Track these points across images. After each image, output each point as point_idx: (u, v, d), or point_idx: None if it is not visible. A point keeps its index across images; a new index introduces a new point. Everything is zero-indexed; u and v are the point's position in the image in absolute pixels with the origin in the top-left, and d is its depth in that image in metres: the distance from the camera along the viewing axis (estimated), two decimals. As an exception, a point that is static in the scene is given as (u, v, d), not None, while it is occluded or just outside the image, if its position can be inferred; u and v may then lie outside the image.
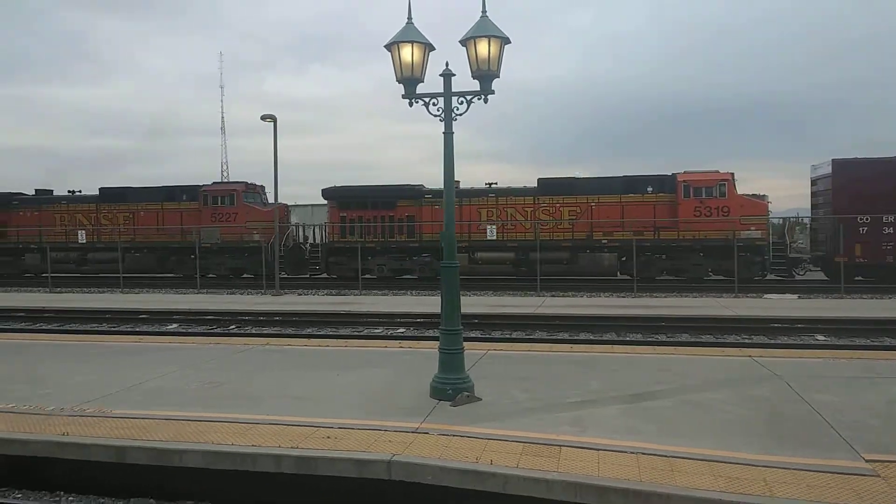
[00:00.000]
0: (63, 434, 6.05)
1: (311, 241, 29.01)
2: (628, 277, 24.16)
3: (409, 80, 7.08)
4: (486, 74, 6.99)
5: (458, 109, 7.08)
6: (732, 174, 23.82)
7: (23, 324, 16.66)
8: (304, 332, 14.66)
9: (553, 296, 21.02)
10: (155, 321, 16.85)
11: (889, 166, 22.09)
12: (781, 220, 25.37)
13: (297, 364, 9.43)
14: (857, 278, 22.21)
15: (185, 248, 27.84)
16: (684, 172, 24.05)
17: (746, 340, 13.10)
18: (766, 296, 20.15)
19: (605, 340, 12.83)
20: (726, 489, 4.72)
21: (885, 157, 22.59)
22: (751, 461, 5.24)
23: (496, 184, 26.50)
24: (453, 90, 7.07)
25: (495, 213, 25.72)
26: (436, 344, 8.07)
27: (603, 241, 24.48)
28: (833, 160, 23.09)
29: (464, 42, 6.99)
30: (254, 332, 14.84)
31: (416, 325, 15.45)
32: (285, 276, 26.90)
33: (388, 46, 7.09)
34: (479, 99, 7.08)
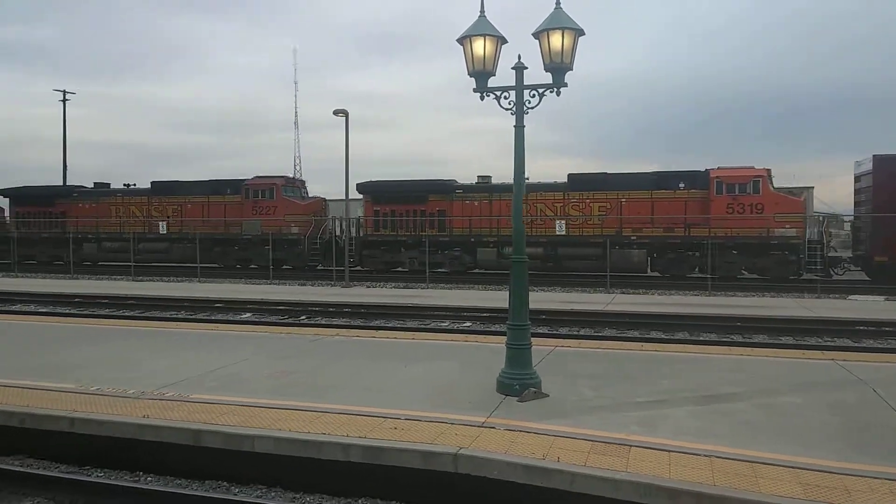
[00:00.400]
0: (144, 417, 6.31)
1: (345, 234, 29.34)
2: (657, 275, 24.23)
3: (481, 74, 7.04)
4: (559, 67, 6.89)
5: (529, 103, 7.01)
6: (769, 170, 23.09)
7: (107, 310, 17.49)
8: (372, 324, 14.86)
9: (623, 293, 20.64)
10: (230, 310, 17.40)
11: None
12: (822, 217, 24.31)
13: (365, 355, 9.56)
14: None
15: (228, 239, 28.87)
16: (718, 168, 23.46)
17: (829, 343, 12.53)
18: (850, 297, 19.23)
19: (678, 339, 12.50)
20: (805, 497, 4.52)
21: None
22: (833, 468, 5.01)
23: (528, 179, 25.99)
24: (525, 83, 7.00)
25: (525, 209, 25.27)
26: (502, 339, 8.03)
27: (632, 238, 24.14)
28: (874, 156, 22.08)
29: (537, 34, 6.91)
30: (324, 322, 15.13)
31: (483, 320, 15.43)
32: (321, 268, 27.84)
33: (461, 40, 7.07)
34: (551, 92, 6.98)
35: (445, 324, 15.08)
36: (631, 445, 5.54)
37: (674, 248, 23.83)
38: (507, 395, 7.01)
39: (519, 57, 6.98)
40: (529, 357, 7.19)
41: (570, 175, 25.54)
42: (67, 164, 45.92)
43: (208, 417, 6.28)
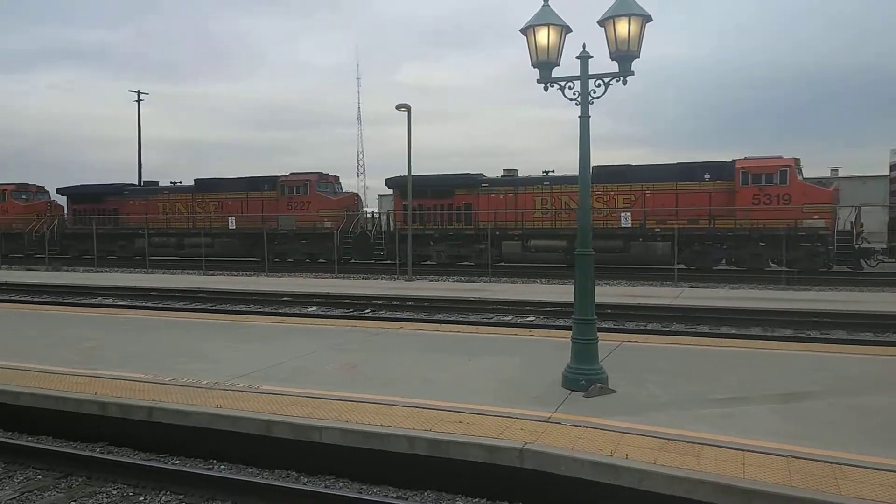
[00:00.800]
0: (217, 407, 6.50)
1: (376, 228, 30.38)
2: (683, 267, 23.87)
3: (545, 64, 6.94)
4: (625, 55, 6.72)
5: (594, 92, 6.87)
6: (797, 160, 22.66)
7: (181, 303, 18.12)
8: (435, 318, 14.92)
9: (692, 287, 20.10)
10: (297, 304, 17.76)
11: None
12: (854, 208, 23.48)
13: (429, 348, 9.60)
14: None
15: (267, 234, 29.37)
16: (744, 159, 23.01)
17: (913, 340, 11.90)
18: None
19: (751, 335, 12.09)
20: (890, 500, 4.29)
21: None
22: (922, 473, 4.73)
23: (553, 171, 26.27)
24: (590, 72, 6.86)
25: (549, 202, 25.73)
26: (566, 333, 7.92)
27: (656, 230, 23.98)
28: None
29: (602, 22, 6.76)
30: (387, 315, 15.27)
31: (547, 314, 15.29)
32: (354, 261, 28.51)
33: (524, 30, 6.98)
34: (616, 81, 6.83)
35: (509, 318, 15.01)
36: (703, 444, 5.37)
37: (700, 240, 23.61)
38: (572, 391, 6.92)
39: (584, 46, 6.86)
40: (596, 352, 7.07)
41: (594, 167, 25.26)
42: (142, 161, 47.70)
43: (278, 408, 6.42)
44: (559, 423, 5.93)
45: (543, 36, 6.86)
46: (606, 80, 6.84)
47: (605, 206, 24.82)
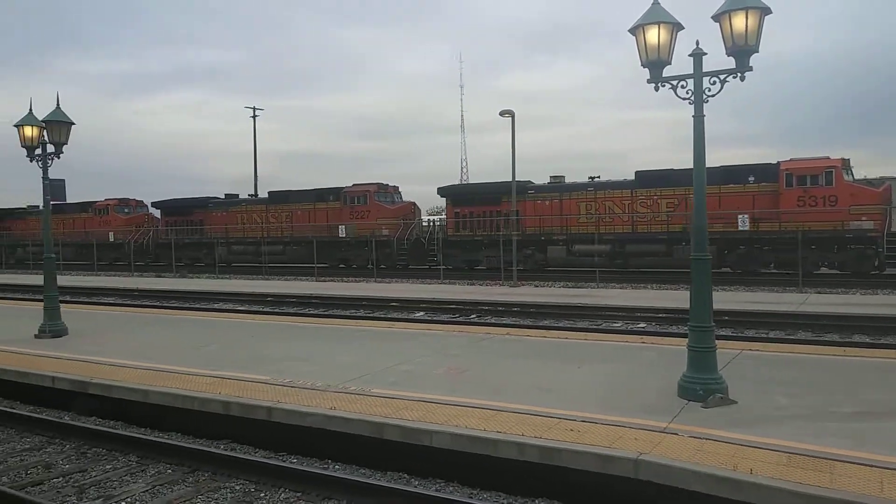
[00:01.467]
0: (331, 408, 6.69)
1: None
2: (728, 270, 23.52)
3: (655, 63, 6.72)
4: (742, 50, 6.41)
5: (709, 90, 6.59)
6: (846, 160, 22.03)
7: (294, 308, 18.85)
8: (541, 324, 14.75)
9: (819, 292, 18.87)
10: (404, 309, 18.07)
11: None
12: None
13: (536, 354, 9.50)
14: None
15: (330, 242, 31.53)
16: (790, 160, 22.61)
17: None
18: None
19: (886, 344, 11.20)
20: None
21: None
22: None
23: (598, 177, 26.77)
24: (704, 70, 6.59)
25: (594, 207, 26.06)
26: (680, 340, 7.63)
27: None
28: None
29: (717, 17, 6.48)
30: (493, 321, 15.25)
31: (659, 321, 14.79)
32: (411, 266, 29.72)
33: (633, 30, 6.79)
34: (734, 78, 6.52)
35: (618, 324, 14.63)
36: (834, 460, 5.01)
37: (744, 243, 23.32)
38: (689, 401, 6.64)
39: (697, 43, 6.59)
40: (714, 360, 6.76)
41: (637, 172, 25.71)
42: (258, 173, 50.15)
43: (389, 411, 6.53)
44: (676, 434, 5.70)
45: (654, 35, 6.65)
46: (722, 76, 6.55)
47: (648, 210, 25.14)
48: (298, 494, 5.70)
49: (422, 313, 17.25)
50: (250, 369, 8.62)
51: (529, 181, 28.42)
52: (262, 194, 39.52)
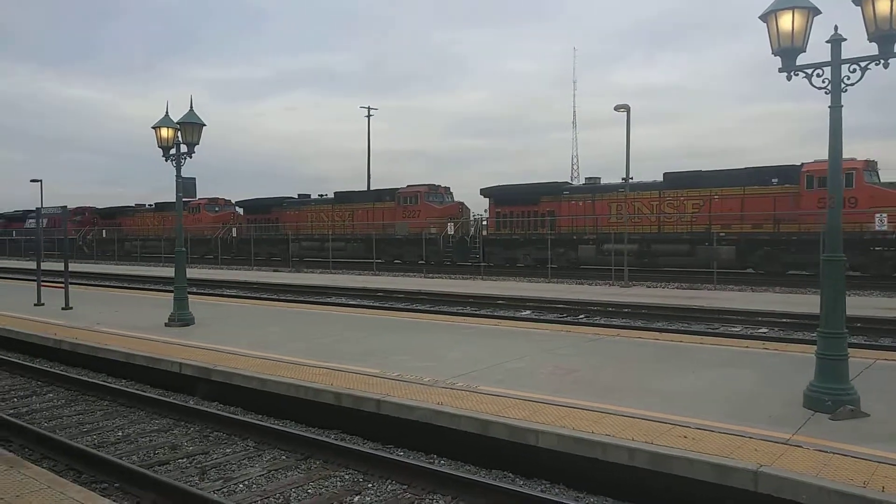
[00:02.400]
0: (439, 404, 6.74)
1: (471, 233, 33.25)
2: (752, 271, 23.96)
3: (789, 51, 6.31)
4: (887, 35, 5.89)
5: (848, 79, 6.12)
6: (871, 161, 22.11)
7: (404, 303, 19.20)
8: (654, 326, 14.28)
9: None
10: (511, 307, 18.00)
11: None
12: None
13: (648, 357, 9.19)
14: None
15: (386, 238, 33.97)
16: (813, 162, 22.29)
17: None
18: None
19: None
20: None
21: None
22: None
23: (633, 178, 26.45)
24: (843, 57, 6.13)
25: (624, 207, 26.05)
26: (805, 347, 7.14)
27: (721, 234, 24.17)
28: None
29: (858, 0, 6.00)
30: (602, 322, 14.90)
31: (782, 326, 13.96)
32: (448, 263, 31.36)
33: (764, 16, 6.40)
34: (876, 65, 6.02)
35: (737, 328, 13.92)
36: None
37: (765, 244, 23.49)
38: (816, 412, 6.20)
39: (836, 28, 6.13)
40: (846, 370, 6.28)
41: (665, 174, 26.49)
42: (371, 172, 51.54)
43: (495, 409, 6.50)
44: (800, 447, 5.33)
45: (787, 21, 6.24)
46: (863, 64, 6.06)
47: (675, 211, 25.66)
48: (405, 487, 5.78)
49: (528, 312, 17.12)
50: (362, 362, 8.83)
51: (567, 182, 30.56)
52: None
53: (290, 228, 39.36)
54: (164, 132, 12.46)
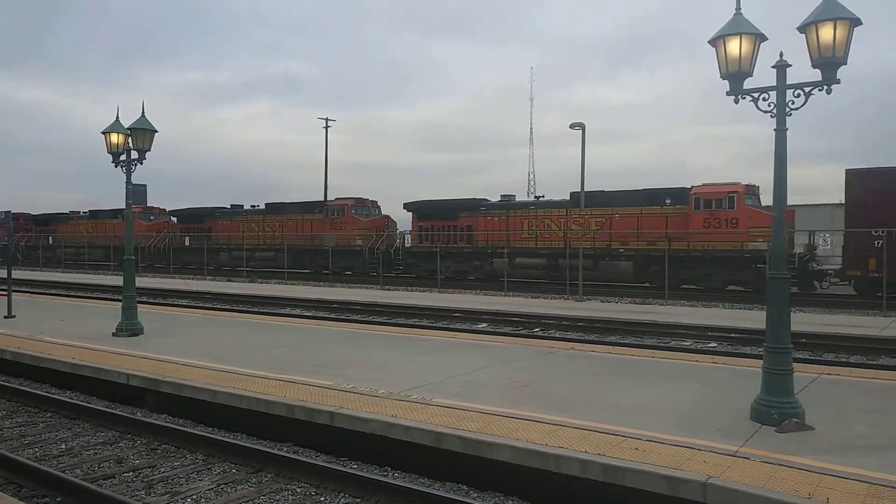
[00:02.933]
0: (393, 416, 6.70)
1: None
2: (648, 285, 25.70)
3: (736, 75, 6.51)
4: (829, 62, 6.14)
5: (793, 103, 6.34)
6: (751, 186, 24.21)
7: (359, 315, 19.07)
8: (607, 340, 14.47)
9: (902, 316, 17.88)
10: (467, 320, 18.04)
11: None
12: (811, 232, 25.60)
13: (600, 371, 9.30)
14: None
15: (314, 250, 34.84)
16: (702, 185, 24.89)
17: None
18: None
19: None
20: None
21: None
22: None
23: (543, 197, 30.30)
24: (788, 82, 6.36)
25: (535, 224, 28.75)
26: (752, 362, 7.32)
27: (620, 250, 26.48)
28: (846, 170, 21.79)
29: (802, 28, 6.23)
30: (557, 335, 15.03)
31: (731, 341, 14.29)
32: (374, 274, 32.15)
33: (713, 41, 6.60)
34: (819, 90, 6.25)
35: (687, 343, 14.20)
36: (922, 495, 4.69)
37: (658, 261, 24.65)
38: (763, 424, 6.36)
39: (781, 54, 6.36)
40: (791, 384, 6.46)
41: (571, 193, 27.40)
42: (328, 184, 51.26)
43: (449, 421, 6.50)
44: (747, 459, 5.46)
45: (735, 46, 6.44)
46: (807, 89, 6.29)
47: (580, 227, 26.96)
48: (358, 500, 5.72)
49: (484, 325, 17.17)
50: (316, 374, 8.73)
51: (485, 199, 31.75)
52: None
53: (221, 238, 40.60)
54: (115, 138, 12.16)
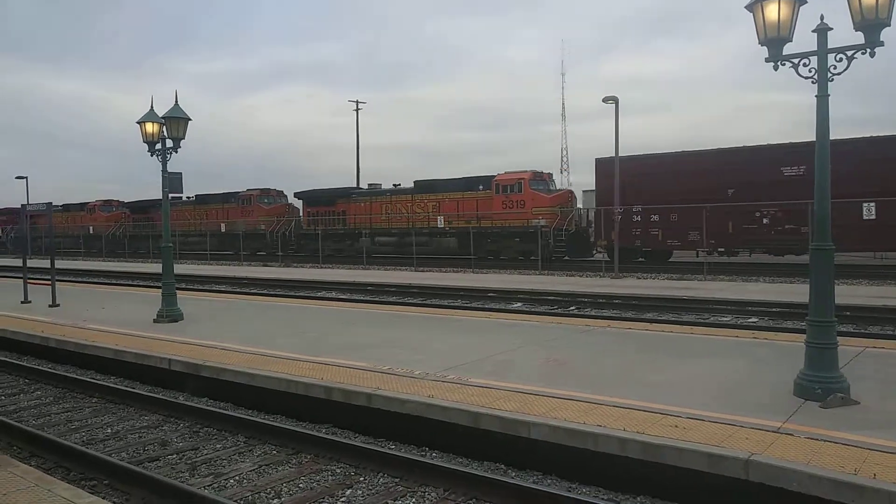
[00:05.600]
0: (429, 396, 6.72)
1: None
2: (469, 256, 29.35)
3: (775, 41, 6.29)
4: (872, 24, 5.89)
5: (835, 68, 6.12)
6: (537, 172, 30.05)
7: (395, 297, 19.16)
8: (644, 317, 14.31)
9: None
10: (502, 299, 18.00)
11: (634, 163, 25.78)
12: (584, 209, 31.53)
13: (639, 348, 9.20)
14: (639, 259, 27.56)
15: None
16: (503, 173, 30.56)
17: None
18: None
19: None
20: None
21: (634, 155, 26.27)
22: None
23: (400, 184, 35.69)
24: (829, 46, 6.13)
25: (390, 208, 35.05)
26: (794, 337, 7.15)
27: (447, 228, 32.11)
28: (596, 159, 27.79)
29: (844, -11, 5.98)
30: (593, 313, 14.92)
31: (771, 315, 14.02)
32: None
33: (750, 7, 6.38)
34: (862, 53, 6.01)
35: (727, 318, 13.97)
36: (975, 470, 4.54)
37: (476, 236, 29.34)
38: (806, 400, 6.22)
39: (822, 17, 6.13)
40: (835, 358, 6.30)
41: (415, 181, 34.11)
42: (360, 166, 51.39)
43: (486, 401, 6.49)
44: (791, 435, 5.35)
45: (773, 10, 6.21)
46: (849, 53, 6.05)
47: (422, 210, 33.25)
48: (397, 480, 5.76)
49: (519, 304, 17.12)
50: (352, 356, 8.80)
51: (356, 187, 39.31)
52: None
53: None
54: (150, 127, 12.32)
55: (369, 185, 38.79)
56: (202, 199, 44.00)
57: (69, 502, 4.58)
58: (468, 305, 17.06)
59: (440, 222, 33.03)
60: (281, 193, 42.01)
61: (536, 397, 6.60)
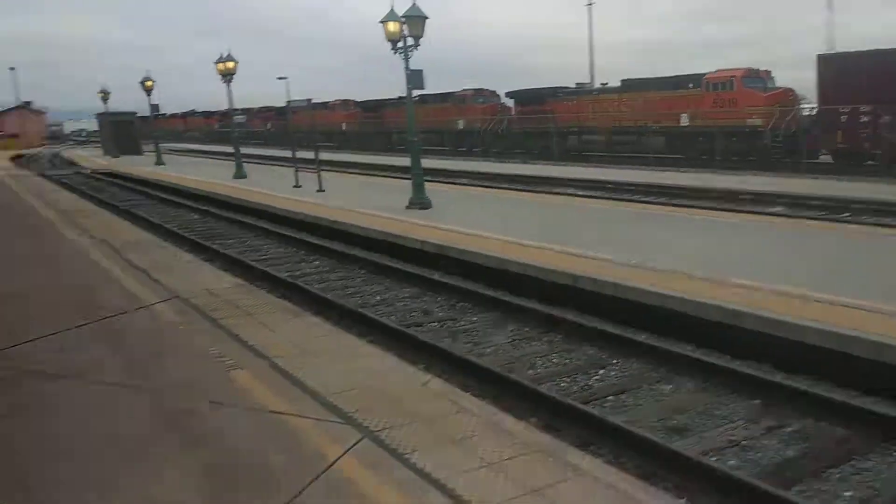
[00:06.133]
0: (683, 293, 6.49)
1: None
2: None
3: None
4: None
5: None
6: (754, 70, 26.93)
7: (637, 196, 18.54)
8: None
9: None
10: (757, 203, 16.64)
11: (867, 59, 22.22)
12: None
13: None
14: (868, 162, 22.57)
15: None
16: (716, 71, 27.90)
17: None
18: None
19: None
20: None
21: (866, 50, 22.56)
22: None
23: (607, 84, 34.58)
24: None
25: (598, 107, 33.29)
26: None
27: (654, 127, 29.79)
28: (818, 55, 23.96)
29: None
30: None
31: None
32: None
33: None
34: None
35: None
36: None
37: (684, 136, 28.46)
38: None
39: None
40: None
41: (622, 80, 32.34)
42: (581, 64, 49.39)
43: (745, 300, 6.13)
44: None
45: None
46: None
47: (630, 109, 31.45)
48: (650, 367, 5.76)
49: (779, 208, 15.68)
50: (594, 248, 8.65)
51: (564, 87, 36.79)
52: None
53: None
54: (391, 26, 12.96)
55: (576, 84, 37.64)
56: (422, 99, 43.02)
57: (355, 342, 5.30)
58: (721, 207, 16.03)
59: (647, 121, 30.85)
60: (493, 93, 42.14)
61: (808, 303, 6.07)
